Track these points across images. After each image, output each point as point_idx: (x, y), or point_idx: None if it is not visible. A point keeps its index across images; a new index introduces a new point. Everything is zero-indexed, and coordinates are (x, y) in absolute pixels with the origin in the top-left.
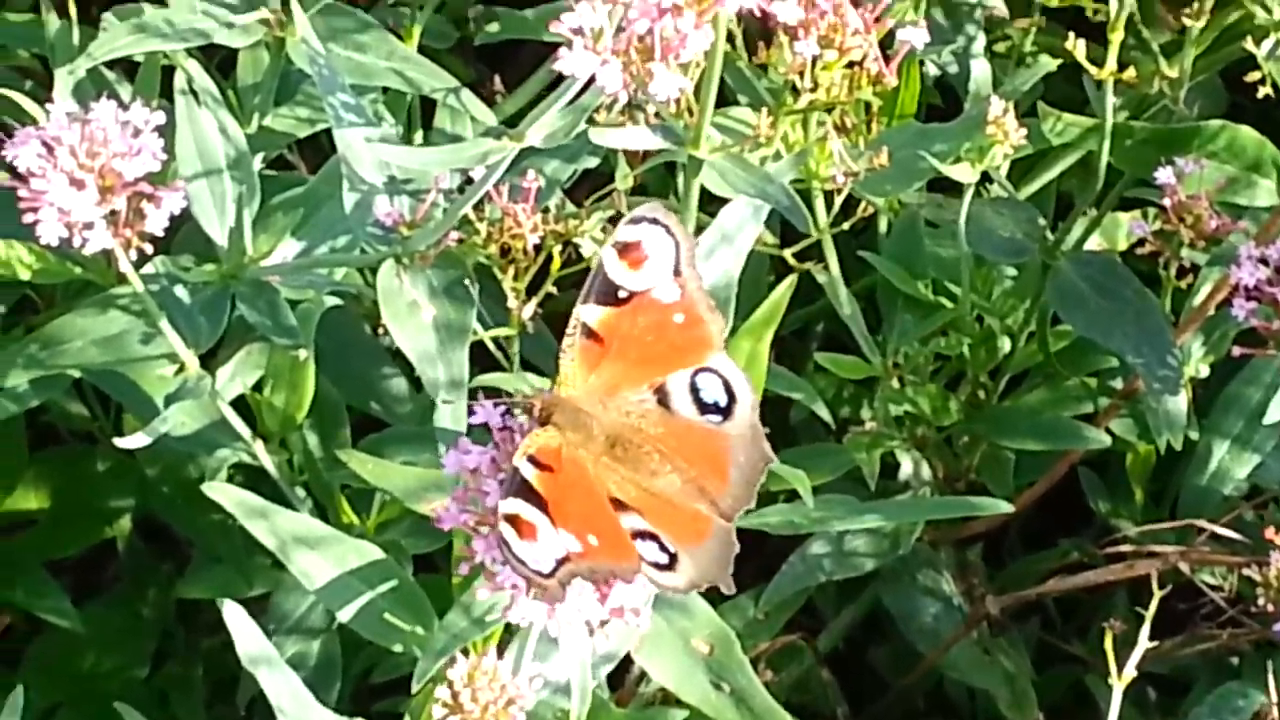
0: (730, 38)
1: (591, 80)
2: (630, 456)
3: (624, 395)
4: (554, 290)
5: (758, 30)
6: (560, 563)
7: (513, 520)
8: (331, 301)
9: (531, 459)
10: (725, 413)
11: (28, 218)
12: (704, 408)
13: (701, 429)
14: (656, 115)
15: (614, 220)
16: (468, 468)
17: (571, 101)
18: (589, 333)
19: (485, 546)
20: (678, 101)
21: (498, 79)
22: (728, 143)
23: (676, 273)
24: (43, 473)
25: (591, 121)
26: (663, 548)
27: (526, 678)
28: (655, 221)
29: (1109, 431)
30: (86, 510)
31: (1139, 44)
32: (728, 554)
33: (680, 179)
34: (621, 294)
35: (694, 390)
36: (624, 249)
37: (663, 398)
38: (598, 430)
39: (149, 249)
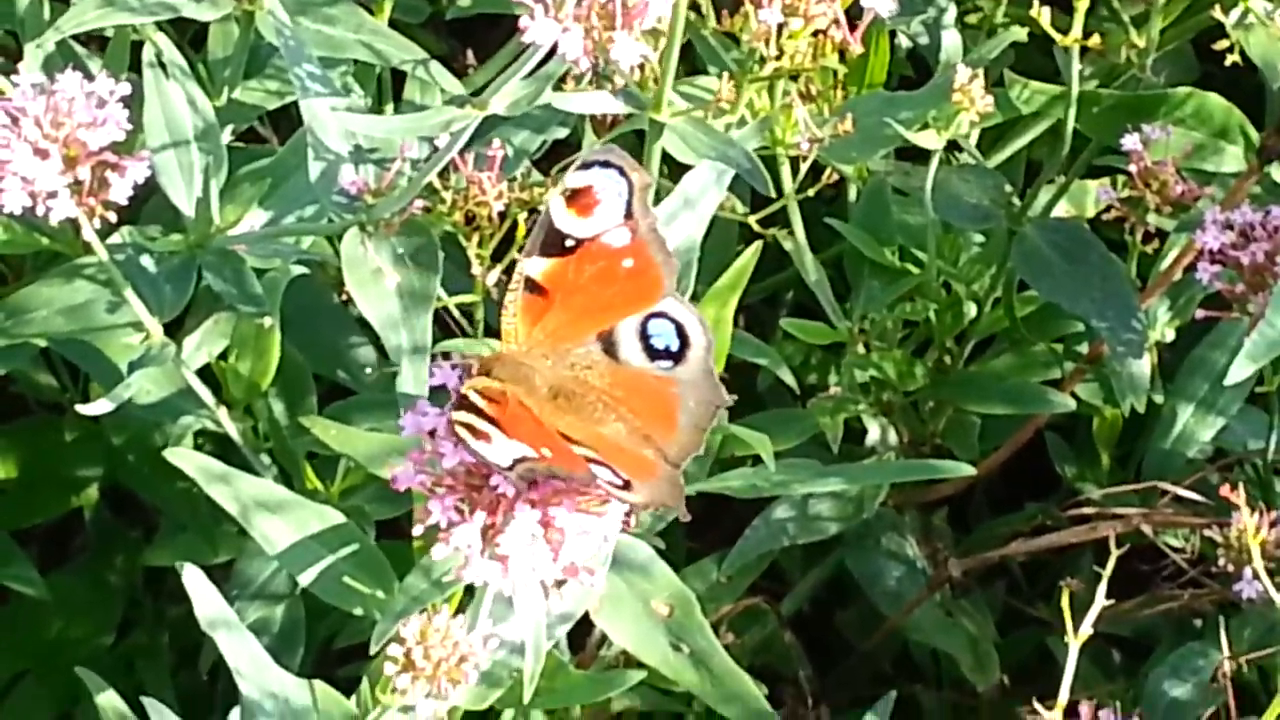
0: (697, 5)
1: (555, 49)
2: (574, 406)
3: (569, 347)
4: (518, 257)
5: None
6: (518, 461)
7: (467, 427)
8: (298, 270)
9: (478, 392)
10: (677, 357)
11: None
12: (654, 354)
13: (650, 377)
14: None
15: None
16: (425, 430)
17: (535, 70)
18: (532, 286)
19: (440, 508)
20: (643, 69)
21: (469, 53)
22: (692, 109)
23: (628, 215)
24: (10, 442)
25: (559, 89)
26: (615, 474)
27: (481, 636)
28: (607, 164)
29: (1074, 396)
30: (54, 479)
31: (1110, 14)
32: (677, 490)
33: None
34: (568, 243)
35: (644, 336)
36: (573, 195)
37: (609, 347)
38: (540, 383)
39: (113, 218)
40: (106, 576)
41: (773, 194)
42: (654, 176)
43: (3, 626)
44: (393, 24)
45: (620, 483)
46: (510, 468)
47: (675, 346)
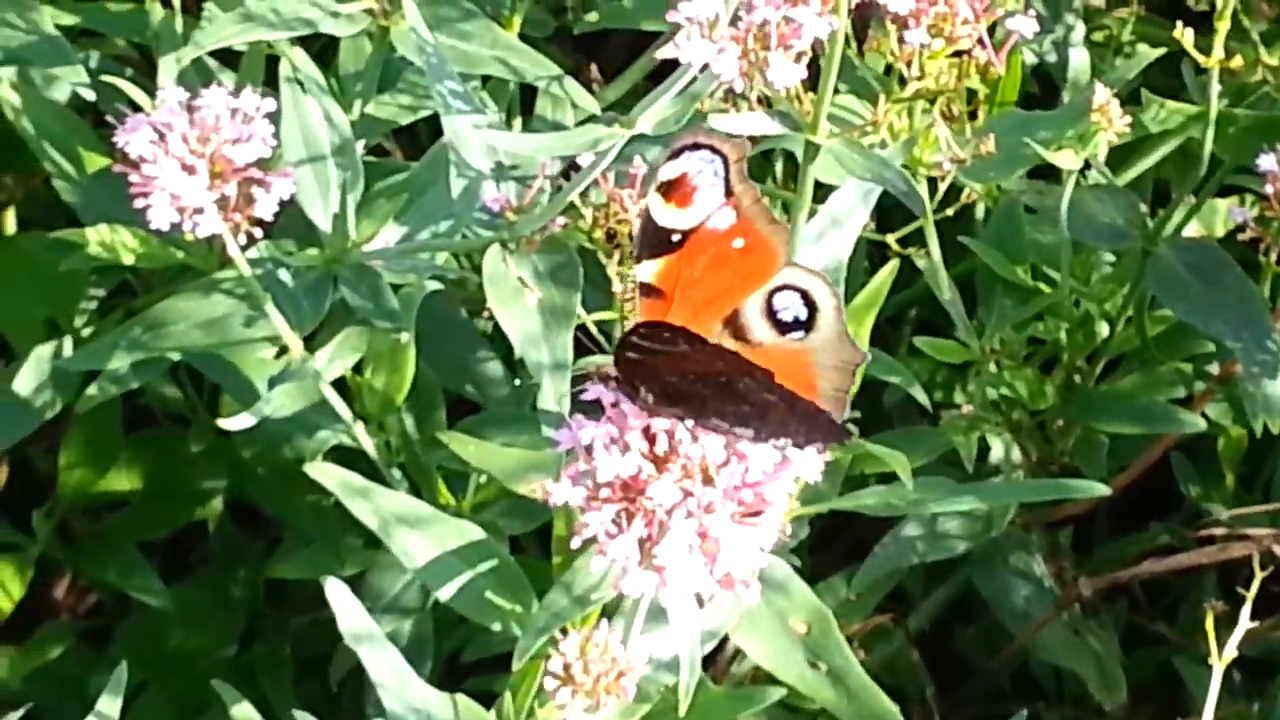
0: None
1: (704, 68)
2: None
3: None
4: None
5: (860, 19)
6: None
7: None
8: (432, 286)
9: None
10: (808, 326)
11: (139, 203)
12: (784, 327)
13: (783, 351)
14: (760, 102)
15: None
16: (582, 443)
17: (683, 90)
18: (648, 290)
19: (598, 520)
20: (787, 91)
21: (594, 68)
22: (840, 130)
23: (729, 193)
24: (136, 454)
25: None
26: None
27: (637, 651)
28: (697, 145)
29: (1204, 416)
30: (178, 491)
31: (1237, 33)
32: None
33: (779, 164)
34: (675, 238)
35: (770, 313)
36: (669, 188)
37: (738, 331)
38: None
39: (259, 233)
40: (229, 588)
41: (926, 215)
42: (808, 198)
43: (126, 636)
44: (519, 38)
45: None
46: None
47: (804, 315)
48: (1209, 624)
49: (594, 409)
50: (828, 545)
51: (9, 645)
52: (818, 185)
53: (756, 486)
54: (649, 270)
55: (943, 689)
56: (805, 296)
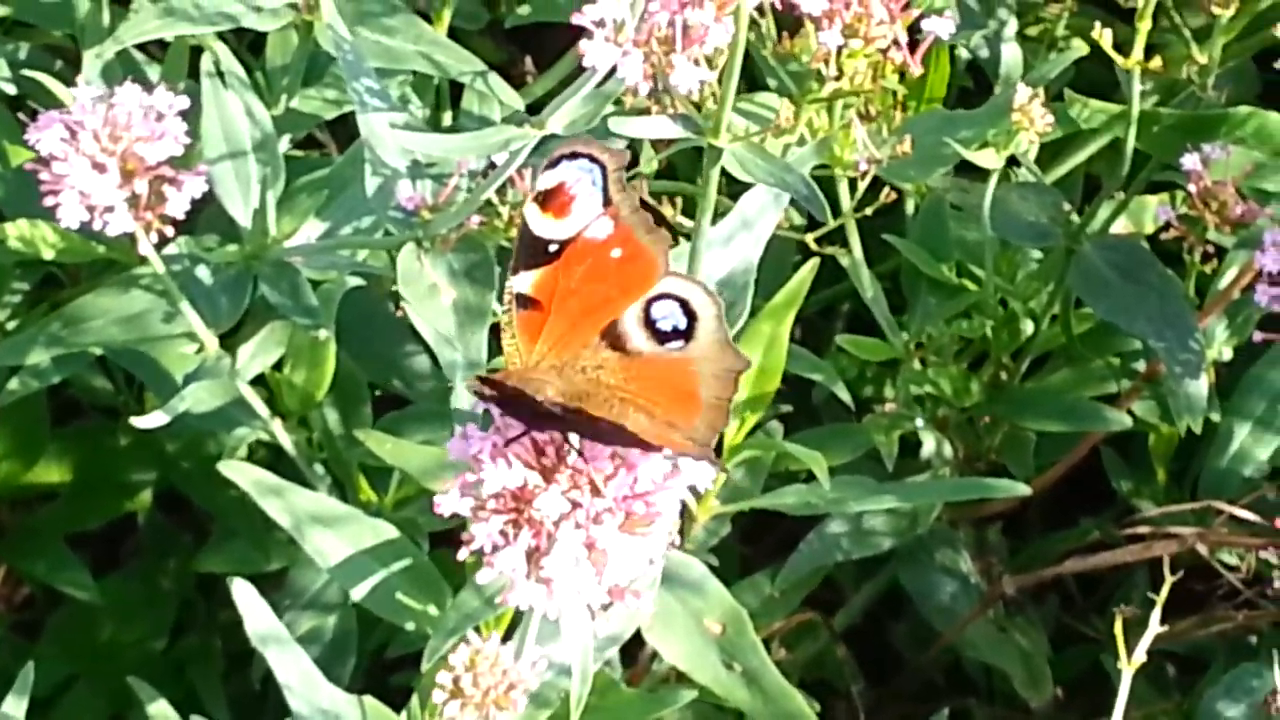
0: (756, 26)
1: (614, 70)
2: (594, 407)
3: (576, 354)
4: None
5: (788, 18)
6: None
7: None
8: (354, 282)
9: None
10: (687, 335)
11: (49, 200)
12: (663, 336)
13: (663, 361)
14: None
15: (643, 203)
16: (471, 454)
17: (594, 90)
18: (524, 301)
19: (485, 531)
20: (703, 89)
21: (529, 60)
22: (751, 130)
23: (607, 203)
24: (64, 447)
25: (618, 105)
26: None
27: (529, 661)
28: (575, 154)
29: (1131, 413)
30: (107, 484)
31: (1173, 26)
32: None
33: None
34: (552, 248)
35: (649, 322)
36: (546, 198)
37: (616, 341)
38: (553, 393)
39: (170, 231)
40: (159, 581)
41: (829, 219)
42: (712, 200)
43: (56, 629)
44: (451, 31)
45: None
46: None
47: (683, 324)
48: (1118, 628)
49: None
50: (760, 538)
51: None
52: (738, 182)
53: (645, 496)
54: (525, 281)
55: (877, 682)
56: (684, 305)
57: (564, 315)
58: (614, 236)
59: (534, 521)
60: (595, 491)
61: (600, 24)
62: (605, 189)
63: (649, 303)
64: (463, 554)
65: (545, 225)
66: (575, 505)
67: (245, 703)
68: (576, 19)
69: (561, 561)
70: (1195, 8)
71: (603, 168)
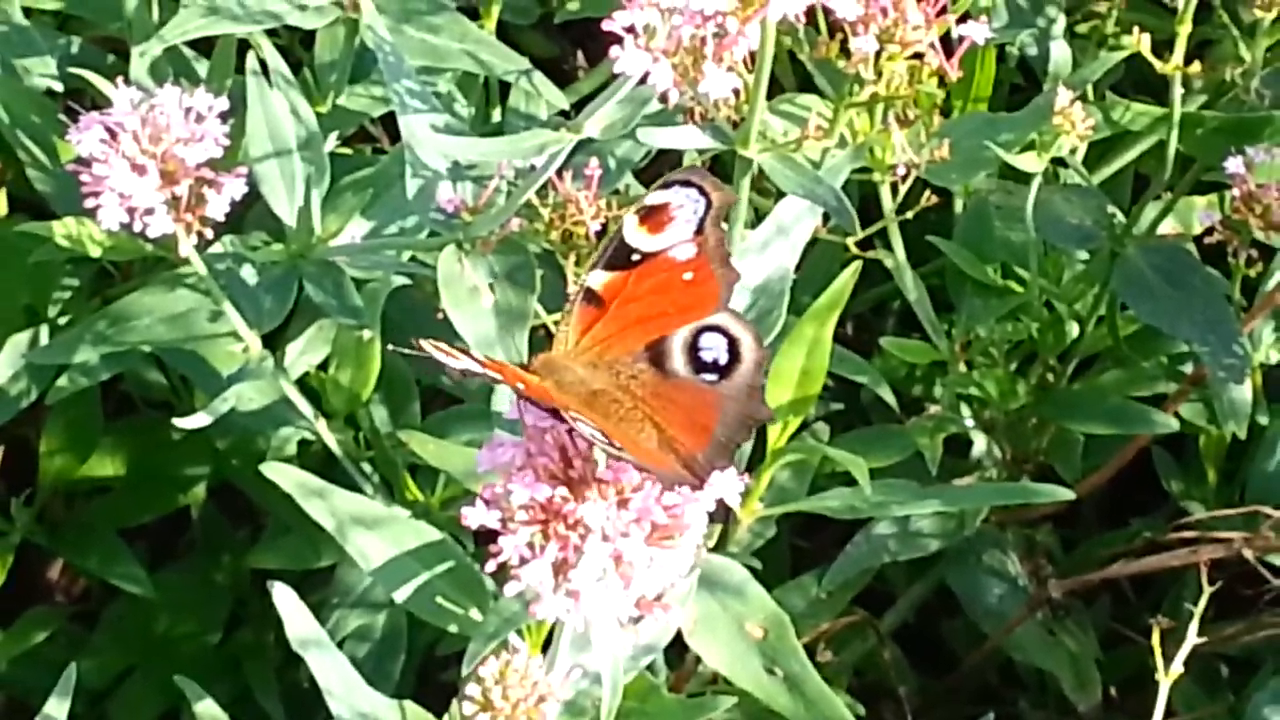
0: (794, 31)
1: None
2: (606, 409)
3: (617, 356)
4: None
5: (831, 22)
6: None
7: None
8: (399, 281)
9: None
10: (724, 371)
11: (89, 202)
12: (701, 366)
13: (692, 388)
14: (715, 106)
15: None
16: (501, 463)
17: (632, 93)
18: (590, 296)
19: (512, 544)
20: (737, 94)
21: (580, 54)
22: (786, 135)
23: (698, 231)
24: (118, 440)
25: (663, 104)
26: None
27: (560, 673)
28: (688, 183)
29: (1178, 416)
30: (162, 478)
31: (1223, 24)
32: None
33: None
34: (634, 257)
35: (693, 348)
36: (648, 213)
37: (658, 357)
38: (574, 382)
39: (210, 233)
40: (213, 575)
41: (857, 229)
42: (744, 210)
43: (111, 621)
44: (502, 26)
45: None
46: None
47: (724, 360)
48: (1155, 639)
49: None
50: (806, 541)
51: None
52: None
53: (673, 509)
54: (598, 279)
55: (930, 680)
56: (731, 343)
57: (620, 318)
58: (692, 261)
59: (561, 534)
60: (622, 503)
61: (631, 30)
62: (703, 219)
63: (701, 330)
64: (490, 566)
65: (637, 235)
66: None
67: (299, 697)
68: (607, 25)
69: (589, 574)
70: (1248, 5)
71: (708, 202)
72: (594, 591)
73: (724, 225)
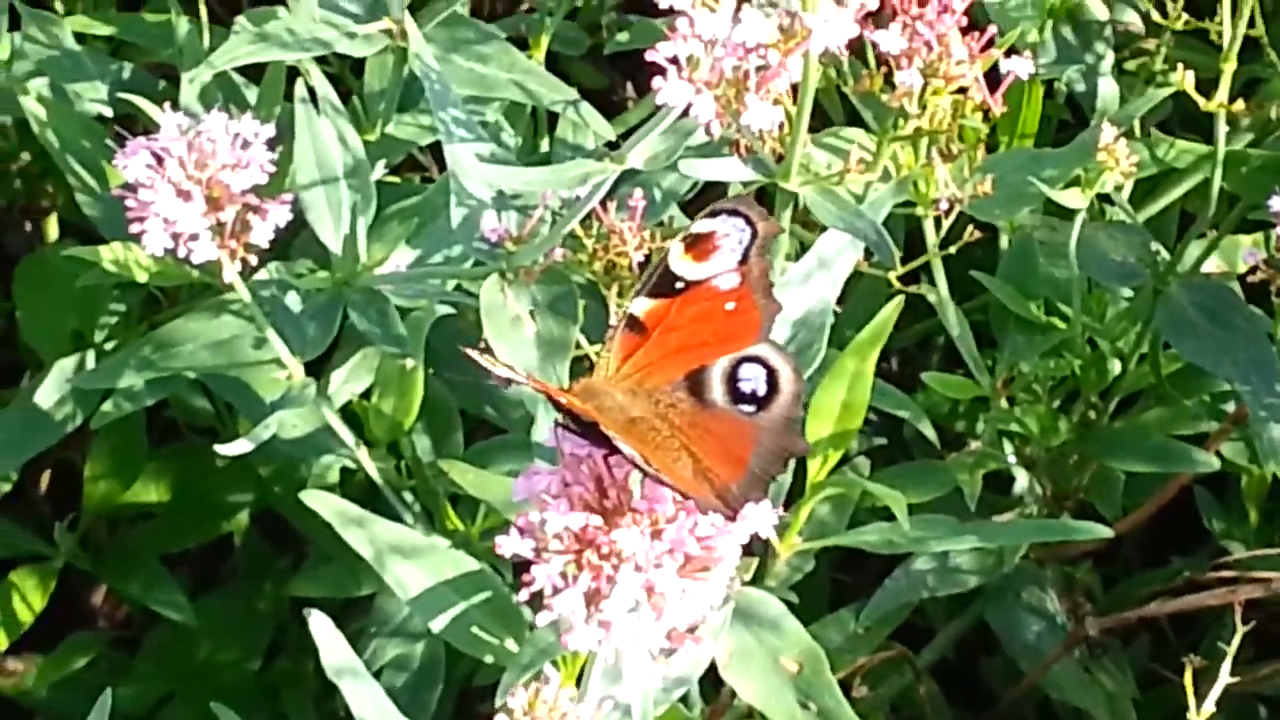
0: (839, 64)
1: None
2: (643, 436)
3: (657, 383)
4: None
5: (877, 55)
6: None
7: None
8: (443, 310)
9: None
10: (762, 403)
11: (134, 228)
12: (740, 397)
13: (729, 418)
14: (759, 138)
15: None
16: (537, 493)
17: (675, 124)
18: (633, 323)
19: (545, 573)
20: (781, 127)
21: (629, 85)
22: (830, 168)
23: (743, 261)
24: (163, 467)
25: (707, 135)
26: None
27: (591, 704)
28: (735, 212)
29: (1220, 455)
30: (205, 504)
31: (1273, 64)
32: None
33: None
34: (678, 285)
35: (732, 379)
36: (693, 241)
37: (696, 386)
38: (614, 408)
39: (254, 260)
40: (255, 602)
41: (897, 264)
42: (785, 242)
43: (152, 647)
44: (551, 56)
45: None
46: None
47: (763, 391)
48: (1188, 679)
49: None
50: (844, 576)
51: (38, 653)
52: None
53: (706, 541)
54: (642, 306)
55: (968, 717)
56: (770, 375)
57: (661, 345)
58: (735, 291)
59: (594, 564)
60: (656, 534)
61: (675, 61)
62: (748, 249)
63: (740, 360)
64: (521, 595)
65: (682, 264)
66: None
67: None
68: (650, 56)
69: (620, 605)
70: None
71: (754, 232)
72: (626, 622)
73: (768, 257)
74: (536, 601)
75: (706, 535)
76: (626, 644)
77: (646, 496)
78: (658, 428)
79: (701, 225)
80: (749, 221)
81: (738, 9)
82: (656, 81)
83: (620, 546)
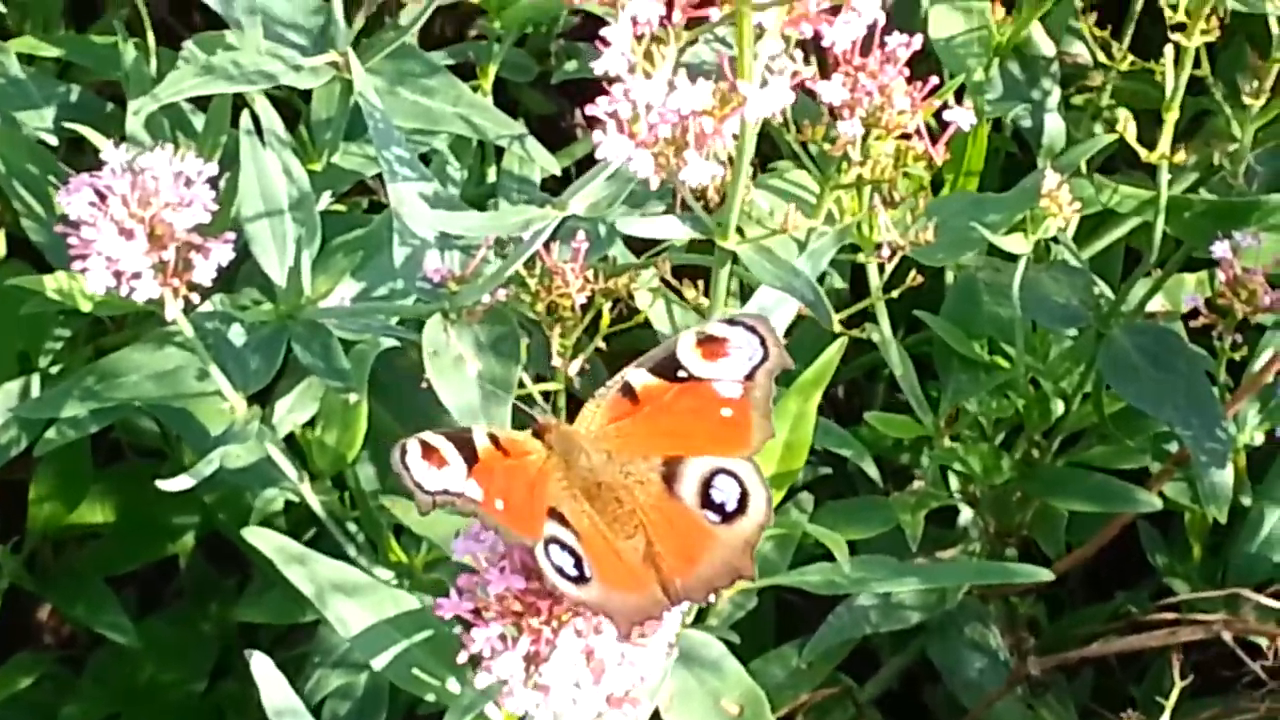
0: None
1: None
2: (604, 505)
3: (634, 457)
4: (602, 346)
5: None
6: (443, 492)
7: (424, 446)
8: (389, 343)
9: (491, 436)
10: (728, 517)
11: (76, 265)
12: (708, 502)
13: (690, 519)
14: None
15: (664, 280)
16: (477, 554)
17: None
18: (627, 390)
19: (484, 636)
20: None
21: (578, 112)
22: (772, 214)
23: (749, 378)
24: (108, 488)
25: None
26: (578, 565)
27: None
28: (753, 330)
29: (1162, 495)
30: (150, 526)
31: (1217, 102)
32: (648, 614)
33: None
34: (680, 374)
35: (706, 484)
36: (706, 340)
37: (671, 475)
38: (585, 471)
39: (196, 298)
40: (200, 624)
41: (835, 326)
42: (721, 301)
43: (97, 668)
44: (500, 82)
45: (574, 574)
46: (428, 492)
47: (731, 508)
48: None
49: None
50: (786, 611)
51: None
52: None
53: None
54: (640, 379)
55: None
56: (743, 496)
57: (649, 422)
58: (735, 401)
59: (534, 628)
60: None
61: (614, 115)
62: (756, 369)
63: (719, 471)
64: (461, 658)
65: (690, 357)
66: (576, 612)
67: None
68: (590, 110)
69: (559, 669)
70: (1250, 73)
71: (766, 355)
72: (564, 686)
73: (770, 380)
74: (476, 662)
75: None
76: (564, 708)
77: None
78: (621, 500)
79: (716, 329)
80: (764, 344)
81: (674, 73)
82: (596, 135)
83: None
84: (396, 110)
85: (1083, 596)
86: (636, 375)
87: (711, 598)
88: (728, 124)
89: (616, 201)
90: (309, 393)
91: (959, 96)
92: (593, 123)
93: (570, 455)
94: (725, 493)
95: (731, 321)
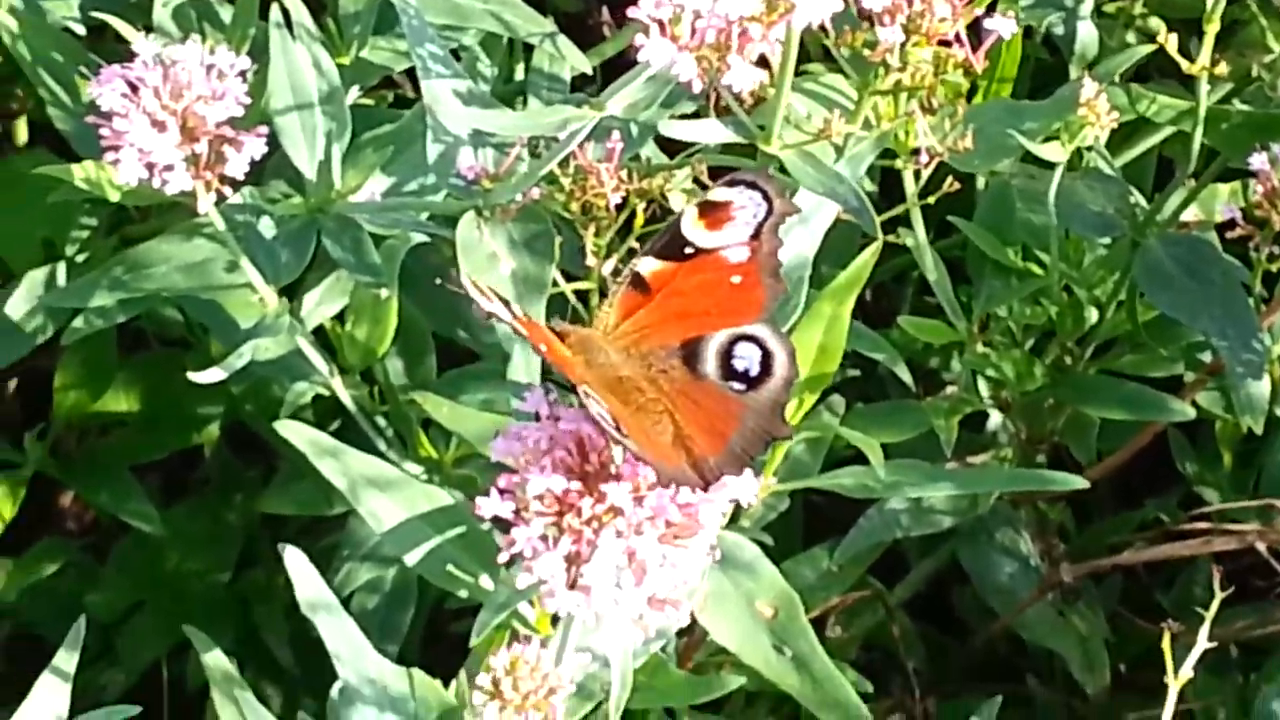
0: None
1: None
2: (629, 396)
3: (653, 347)
4: (636, 246)
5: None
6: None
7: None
8: (419, 238)
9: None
10: (753, 383)
11: (108, 156)
12: (731, 374)
13: (716, 392)
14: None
15: (698, 181)
16: (518, 455)
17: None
18: (637, 282)
19: (525, 536)
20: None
21: (605, 10)
22: (810, 117)
23: (755, 236)
24: (133, 377)
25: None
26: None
27: (569, 665)
28: (754, 185)
29: (1195, 404)
30: (176, 415)
31: (1261, 6)
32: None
33: None
34: (687, 250)
35: (727, 355)
36: (708, 208)
37: (691, 355)
38: (606, 364)
39: (229, 191)
40: (225, 514)
41: (877, 231)
42: None
43: (122, 556)
44: None
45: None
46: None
47: (755, 372)
48: (1166, 643)
49: None
50: (816, 515)
51: (7, 558)
52: None
53: (688, 508)
54: (649, 266)
55: (941, 651)
56: (766, 357)
57: (663, 309)
58: (743, 266)
59: (575, 528)
60: (638, 500)
61: (656, 20)
62: (761, 224)
63: (738, 338)
64: (502, 557)
65: (694, 230)
66: (617, 512)
67: (308, 640)
68: (631, 13)
69: (601, 570)
70: None
71: (770, 208)
72: (606, 588)
73: (777, 233)
74: (515, 562)
75: (688, 503)
76: (606, 609)
77: (628, 460)
78: (644, 389)
79: (718, 194)
80: (766, 197)
81: None
82: (639, 38)
83: (608, 504)
84: (427, 6)
85: (1111, 502)
86: (644, 263)
87: (747, 500)
88: (774, 30)
89: (655, 103)
90: (337, 287)
91: (991, 4)
92: (621, 21)
93: (590, 356)
94: (747, 358)
95: (732, 182)
